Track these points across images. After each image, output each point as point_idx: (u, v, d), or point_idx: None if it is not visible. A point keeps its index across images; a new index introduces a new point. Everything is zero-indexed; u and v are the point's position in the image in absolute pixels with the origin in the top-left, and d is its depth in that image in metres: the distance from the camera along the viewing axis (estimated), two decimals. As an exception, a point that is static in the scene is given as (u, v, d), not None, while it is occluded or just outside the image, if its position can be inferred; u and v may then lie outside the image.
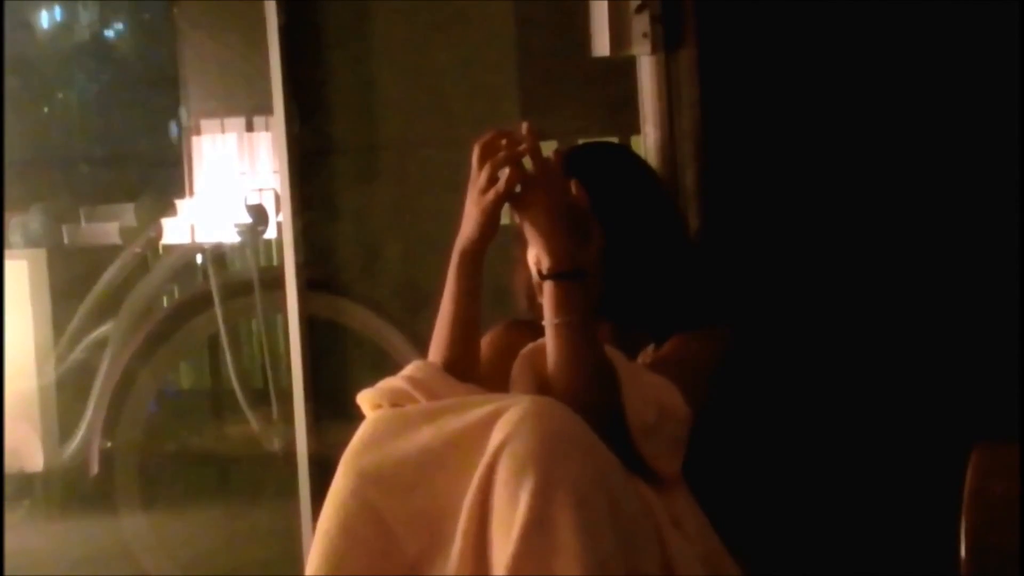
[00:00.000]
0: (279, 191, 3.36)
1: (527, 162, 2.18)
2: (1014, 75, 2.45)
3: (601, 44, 2.58)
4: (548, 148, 2.46)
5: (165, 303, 4.08)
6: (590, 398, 2.11)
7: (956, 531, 1.84)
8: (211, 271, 3.84)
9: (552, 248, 2.16)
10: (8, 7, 4.27)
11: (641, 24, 2.55)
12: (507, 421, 1.98)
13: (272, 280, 3.53)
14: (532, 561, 1.90)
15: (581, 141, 2.65)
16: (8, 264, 4.01)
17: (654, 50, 2.56)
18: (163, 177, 4.36)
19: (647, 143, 2.61)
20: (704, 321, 2.35)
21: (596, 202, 2.29)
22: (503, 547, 1.94)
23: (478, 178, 2.21)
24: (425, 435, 2.05)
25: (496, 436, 1.98)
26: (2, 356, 3.72)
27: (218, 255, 3.89)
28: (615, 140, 2.79)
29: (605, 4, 2.55)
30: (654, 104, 2.60)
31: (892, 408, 2.53)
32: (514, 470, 1.94)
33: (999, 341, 2.48)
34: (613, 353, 2.20)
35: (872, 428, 2.53)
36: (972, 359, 2.50)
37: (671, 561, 2.04)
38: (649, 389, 2.17)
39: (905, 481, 2.46)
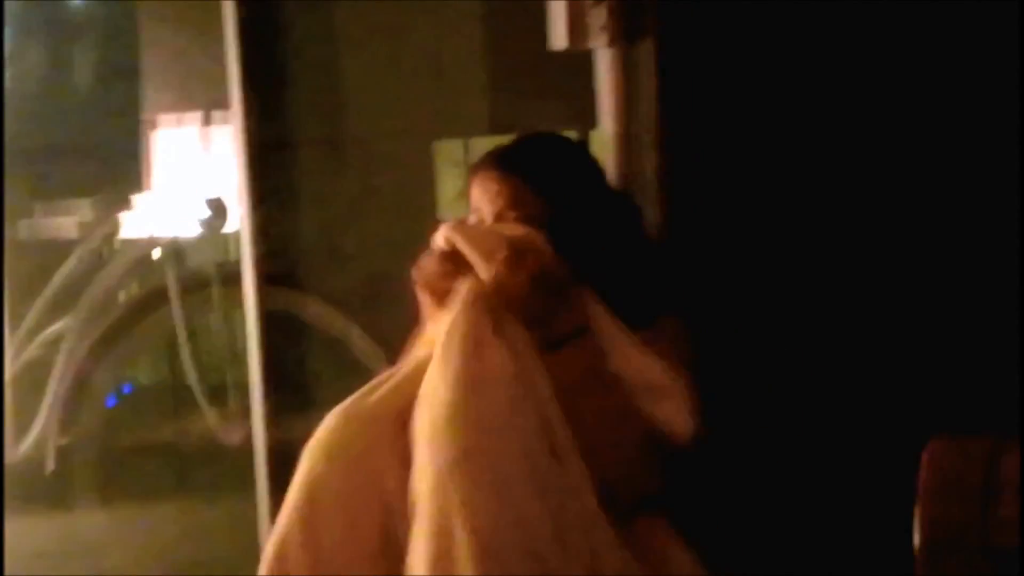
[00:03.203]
0: (238, 185, 3.35)
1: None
2: (987, 61, 2.47)
3: (559, 37, 2.58)
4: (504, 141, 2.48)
5: (122, 298, 4.06)
6: None
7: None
8: (168, 266, 3.83)
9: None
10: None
11: (599, 17, 2.55)
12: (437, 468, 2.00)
13: (231, 275, 3.53)
14: None
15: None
16: (-38, 259, 4.00)
17: (612, 43, 2.56)
18: (121, 171, 4.34)
19: (604, 136, 2.61)
20: (660, 315, 2.35)
21: (545, 195, 2.30)
22: None
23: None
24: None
25: (425, 469, 2.01)
26: (2, 352, 3.70)
27: (176, 250, 3.88)
28: (570, 133, 2.80)
29: (563, -4, 2.56)
30: (612, 97, 2.60)
31: (853, 402, 2.54)
32: (434, 513, 1.97)
33: (958, 334, 2.50)
34: (602, 314, 2.22)
35: (833, 422, 2.54)
36: (929, 354, 2.51)
37: None
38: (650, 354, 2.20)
39: (863, 475, 2.47)
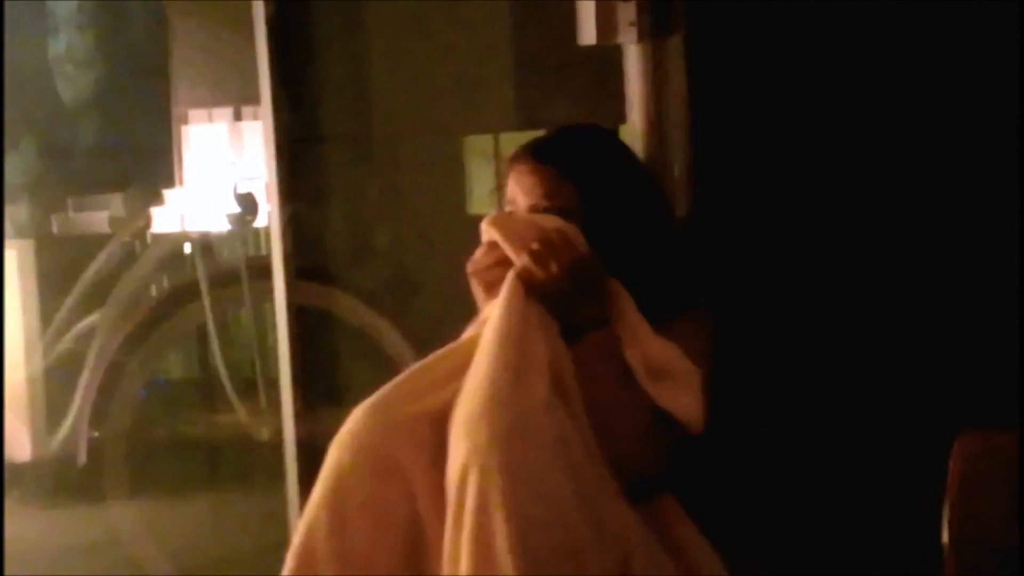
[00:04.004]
0: (267, 180, 3.36)
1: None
2: (997, 66, 2.46)
3: (588, 33, 2.57)
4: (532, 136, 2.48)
5: (153, 292, 4.08)
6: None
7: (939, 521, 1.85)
8: (199, 260, 3.84)
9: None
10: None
11: (628, 12, 2.54)
12: (474, 445, 2.00)
13: (261, 269, 3.53)
14: None
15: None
16: (-4, 253, 4.03)
17: (641, 38, 2.56)
18: (151, 166, 4.35)
19: (633, 131, 2.61)
20: (688, 306, 2.35)
21: (580, 186, 2.31)
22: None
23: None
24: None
25: (462, 451, 2.00)
26: (2, 348, 3.72)
27: (206, 244, 3.90)
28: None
29: (592, -8, 2.55)
30: (641, 92, 2.59)
31: (878, 396, 2.53)
32: (475, 505, 1.97)
33: (988, 326, 2.49)
34: (627, 304, 2.22)
35: (859, 416, 2.54)
36: (956, 347, 2.50)
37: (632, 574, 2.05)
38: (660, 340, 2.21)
39: (890, 470, 2.47)
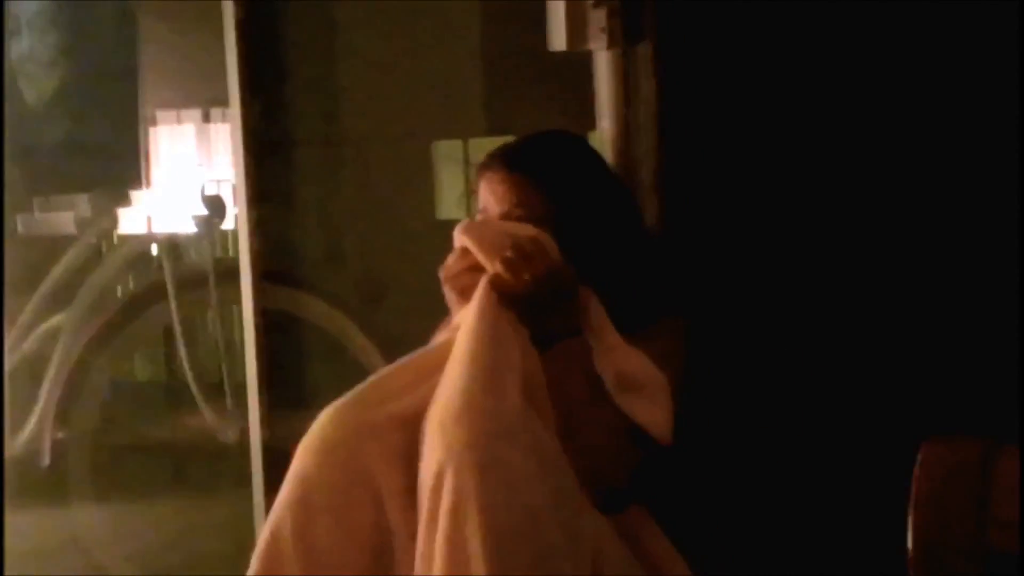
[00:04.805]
0: (235, 182, 3.35)
1: None
2: (978, 62, 2.47)
3: (558, 38, 2.57)
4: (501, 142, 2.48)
5: (119, 294, 4.06)
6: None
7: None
8: (166, 262, 3.83)
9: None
10: None
11: (598, 18, 2.55)
12: (449, 448, 2.00)
13: (228, 271, 3.52)
14: None
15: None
16: (-40, 254, 4.00)
17: (611, 45, 2.56)
18: (119, 167, 4.33)
19: (603, 137, 2.61)
20: (660, 313, 2.36)
21: (551, 194, 2.31)
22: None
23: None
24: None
25: (437, 453, 2.00)
26: (2, 345, 3.69)
27: (173, 246, 3.88)
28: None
29: (563, -1, 2.56)
30: (611, 99, 2.60)
31: (847, 404, 2.54)
32: (449, 507, 1.97)
33: (953, 336, 2.50)
34: (599, 313, 2.22)
35: (827, 424, 2.55)
36: (923, 356, 2.52)
37: None
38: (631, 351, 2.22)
39: (858, 477, 2.48)
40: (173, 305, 3.79)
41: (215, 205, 3.80)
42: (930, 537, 1.79)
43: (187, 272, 3.84)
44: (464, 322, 2.17)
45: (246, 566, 2.15)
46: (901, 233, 2.53)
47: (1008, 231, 2.45)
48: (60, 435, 3.85)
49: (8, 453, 3.87)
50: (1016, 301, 2.42)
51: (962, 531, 1.76)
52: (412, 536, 2.04)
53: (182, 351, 3.83)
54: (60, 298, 4.02)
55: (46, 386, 3.88)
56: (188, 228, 3.87)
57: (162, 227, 3.97)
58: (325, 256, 3.42)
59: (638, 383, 2.21)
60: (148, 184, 4.06)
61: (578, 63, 2.64)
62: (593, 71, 2.63)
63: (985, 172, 2.50)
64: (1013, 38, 2.42)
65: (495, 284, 2.18)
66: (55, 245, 4.14)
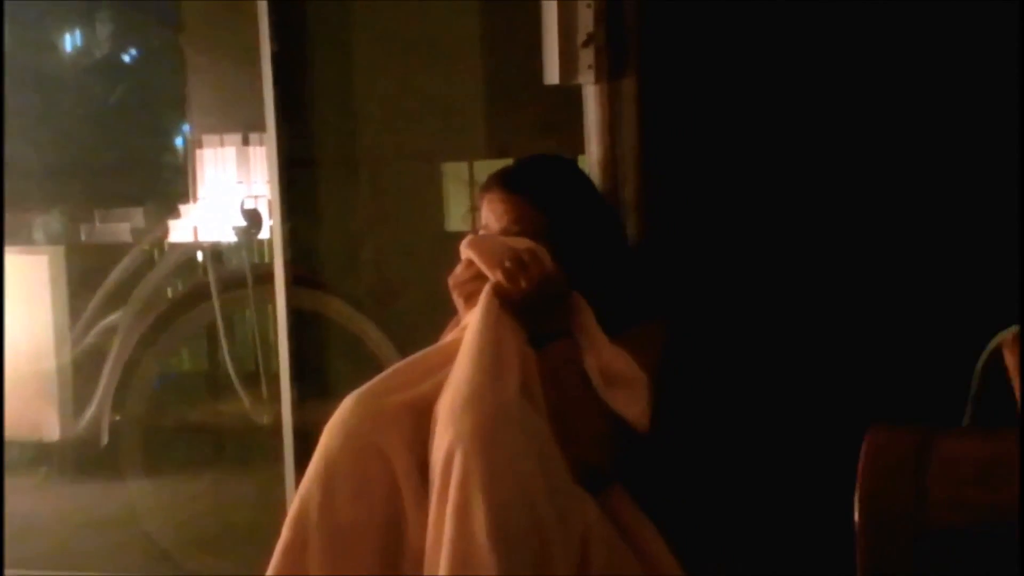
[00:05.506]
0: (271, 198, 3.35)
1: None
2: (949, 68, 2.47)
3: (552, 74, 2.57)
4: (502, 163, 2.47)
5: (169, 294, 4.05)
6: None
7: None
8: (210, 267, 3.82)
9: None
10: (36, 29, 4.25)
11: (587, 57, 2.54)
12: (458, 432, 1.99)
13: (263, 276, 3.52)
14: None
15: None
16: (30, 259, 3.98)
17: (598, 80, 2.56)
18: (169, 185, 4.33)
19: (591, 161, 2.61)
20: (642, 317, 2.35)
21: (546, 212, 2.30)
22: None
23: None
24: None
25: (448, 438, 2.00)
26: (2, 343, 3.68)
27: (216, 253, 3.87)
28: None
29: (556, 39, 2.55)
30: (598, 127, 2.59)
31: (804, 397, 2.54)
32: (458, 482, 1.96)
33: (890, 340, 2.50)
34: (587, 316, 2.21)
35: (788, 414, 2.54)
36: (871, 355, 2.51)
37: (589, 552, 2.05)
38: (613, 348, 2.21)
39: (812, 461, 2.47)
40: (216, 305, 3.77)
41: (253, 218, 3.78)
42: (874, 513, 1.78)
43: (228, 276, 3.83)
44: (470, 323, 2.17)
45: (278, 532, 2.14)
46: (852, 246, 2.52)
47: (956, 240, 2.45)
48: (116, 418, 3.84)
49: (71, 434, 3.87)
50: (953, 310, 2.42)
51: (901, 508, 1.76)
52: (421, 507, 2.04)
53: (223, 345, 3.82)
54: (117, 298, 4.01)
55: (104, 375, 3.87)
56: (229, 238, 3.86)
57: (207, 236, 3.96)
58: (347, 263, 3.41)
59: (621, 378, 2.21)
60: (194, 199, 4.04)
61: (569, 95, 2.64)
62: (583, 102, 2.63)
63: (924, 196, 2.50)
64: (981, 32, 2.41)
65: (496, 291, 2.18)
66: (113, 252, 4.12)
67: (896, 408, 2.17)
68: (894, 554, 1.74)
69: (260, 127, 3.34)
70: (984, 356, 1.98)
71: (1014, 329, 1.67)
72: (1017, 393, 1.81)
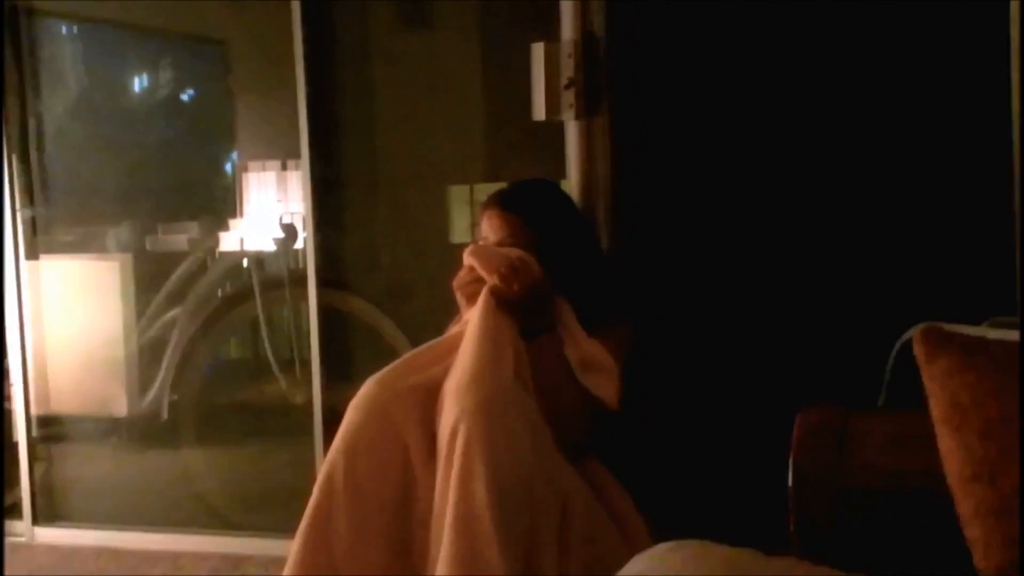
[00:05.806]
0: (304, 214, 3.35)
1: None
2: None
3: (539, 111, 2.59)
4: (497, 187, 2.47)
5: (219, 294, 4.05)
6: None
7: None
8: (253, 271, 3.82)
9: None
10: (112, 72, 4.24)
11: (568, 97, 2.56)
12: (462, 409, 1.99)
13: (298, 279, 3.52)
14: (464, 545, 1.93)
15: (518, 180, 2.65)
16: (104, 264, 3.97)
17: (577, 116, 2.57)
18: (220, 202, 4.33)
19: (572, 184, 2.62)
20: (614, 314, 2.36)
21: (536, 227, 2.31)
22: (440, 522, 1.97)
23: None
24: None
25: (453, 413, 1.99)
26: (3, 342, 3.67)
27: (259, 260, 3.87)
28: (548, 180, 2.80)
29: (543, 82, 2.56)
30: (577, 155, 2.61)
31: (747, 383, 2.54)
32: (462, 451, 1.97)
33: (820, 335, 2.50)
34: (568, 315, 2.21)
35: (734, 396, 2.54)
36: (807, 346, 2.52)
37: (570, 512, 2.05)
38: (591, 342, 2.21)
39: (752, 435, 2.47)
40: (258, 303, 3.78)
41: (289, 231, 3.78)
42: (803, 477, 1.78)
43: (269, 279, 3.83)
44: (471, 319, 2.17)
45: (309, 494, 2.14)
46: (787, 264, 2.53)
47: (875, 248, 2.46)
48: (174, 397, 3.84)
49: (136, 411, 3.86)
50: (871, 310, 2.43)
51: (825, 472, 1.76)
52: (430, 472, 2.05)
53: (264, 336, 3.82)
54: (176, 297, 4.00)
55: (165, 361, 3.86)
56: (269, 247, 3.86)
57: (251, 246, 3.96)
58: (368, 268, 3.41)
59: (596, 366, 2.21)
60: (241, 215, 4.04)
61: (554, 129, 2.65)
62: (565, 135, 2.64)
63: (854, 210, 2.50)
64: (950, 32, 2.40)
65: (493, 292, 2.19)
66: (173, 259, 4.12)
67: (822, 391, 2.18)
68: (820, 510, 1.75)
69: (296, 155, 3.34)
70: (896, 348, 1.98)
71: (922, 326, 1.68)
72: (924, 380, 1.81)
